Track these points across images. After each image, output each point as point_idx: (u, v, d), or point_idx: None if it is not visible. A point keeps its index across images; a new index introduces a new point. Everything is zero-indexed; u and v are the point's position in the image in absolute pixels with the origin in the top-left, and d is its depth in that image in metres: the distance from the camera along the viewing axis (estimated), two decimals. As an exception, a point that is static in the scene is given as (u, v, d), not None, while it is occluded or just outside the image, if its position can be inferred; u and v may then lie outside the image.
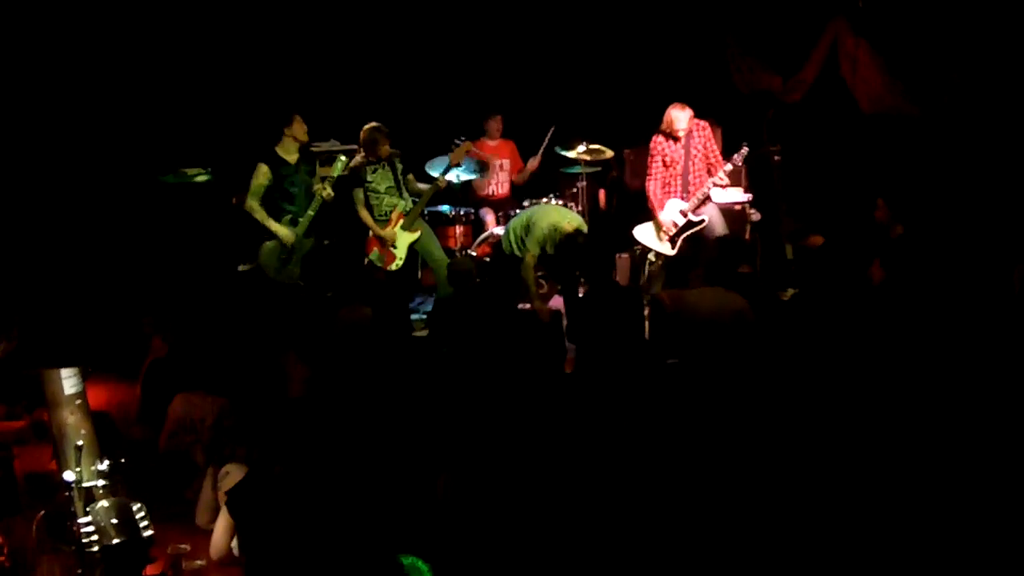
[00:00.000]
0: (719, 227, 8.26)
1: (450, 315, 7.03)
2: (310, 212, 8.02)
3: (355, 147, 9.23)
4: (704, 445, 5.41)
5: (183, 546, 5.31)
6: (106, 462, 4.70)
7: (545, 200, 9.62)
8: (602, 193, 10.71)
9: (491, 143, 10.00)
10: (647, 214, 8.52)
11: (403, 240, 8.42)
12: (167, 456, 6.18)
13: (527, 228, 8.24)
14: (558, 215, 8.21)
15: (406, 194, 8.49)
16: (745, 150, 8.05)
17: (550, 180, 10.20)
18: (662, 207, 8.29)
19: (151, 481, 5.60)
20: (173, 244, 9.07)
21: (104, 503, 4.59)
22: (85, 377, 5.01)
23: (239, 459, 5.68)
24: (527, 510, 4.85)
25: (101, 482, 4.66)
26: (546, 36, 11.12)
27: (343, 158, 8.19)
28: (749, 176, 9.57)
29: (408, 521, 4.73)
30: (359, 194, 8.36)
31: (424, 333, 8.12)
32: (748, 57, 10.70)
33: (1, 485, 5.53)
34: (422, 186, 8.68)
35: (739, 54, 10.78)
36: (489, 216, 9.65)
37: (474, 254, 9.24)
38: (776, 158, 9.92)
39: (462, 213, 9.64)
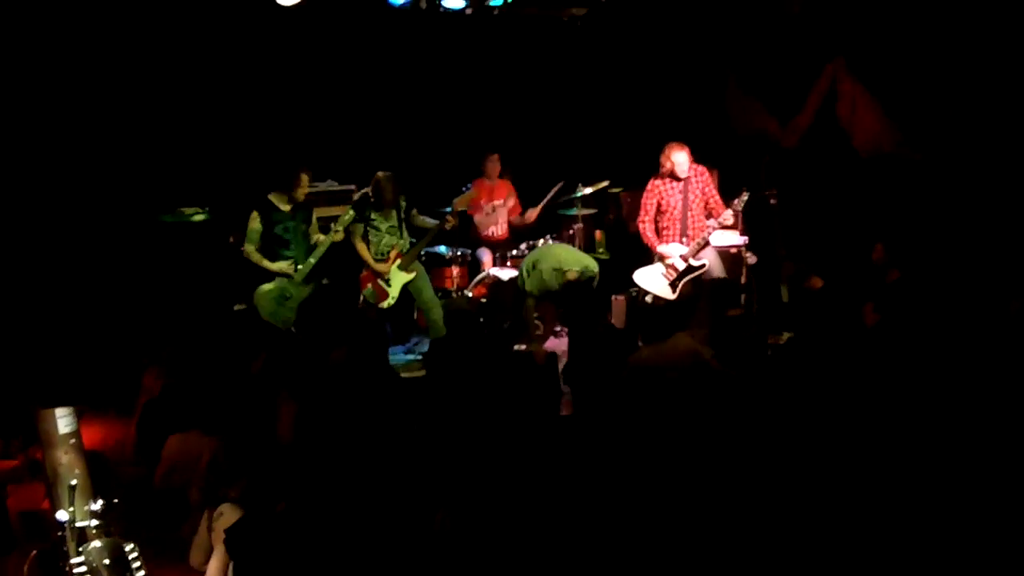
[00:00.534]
0: (718, 271, 8.27)
1: (447, 356, 7.02)
2: (311, 260, 8.06)
3: (352, 187, 9.28)
4: (694, 489, 5.40)
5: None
6: (100, 502, 4.67)
7: (543, 241, 9.66)
8: (599, 234, 10.74)
9: (489, 183, 10.03)
10: (645, 257, 8.52)
11: (398, 279, 8.43)
12: (161, 496, 6.14)
13: (531, 268, 8.27)
14: (562, 256, 8.23)
15: (406, 235, 8.52)
16: (745, 196, 8.09)
17: (548, 222, 10.23)
18: (662, 251, 8.31)
19: (145, 521, 5.57)
20: (170, 283, 9.06)
21: (97, 543, 4.56)
22: (80, 416, 4.99)
23: (232, 499, 5.64)
24: (523, 547, 4.83)
25: (94, 522, 4.63)
26: (546, 80, 11.21)
27: (352, 212, 8.25)
28: (746, 220, 9.60)
29: (406, 558, 4.71)
30: (359, 228, 8.38)
31: (420, 373, 8.11)
32: (746, 100, 10.77)
33: (-6, 524, 5.50)
34: (427, 220, 8.69)
35: (737, 97, 10.86)
36: (486, 257, 9.67)
37: (471, 295, 9.25)
38: (773, 202, 9.95)
39: (459, 254, 9.66)
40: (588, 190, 9.65)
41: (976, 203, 8.65)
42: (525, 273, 8.40)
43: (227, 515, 5.33)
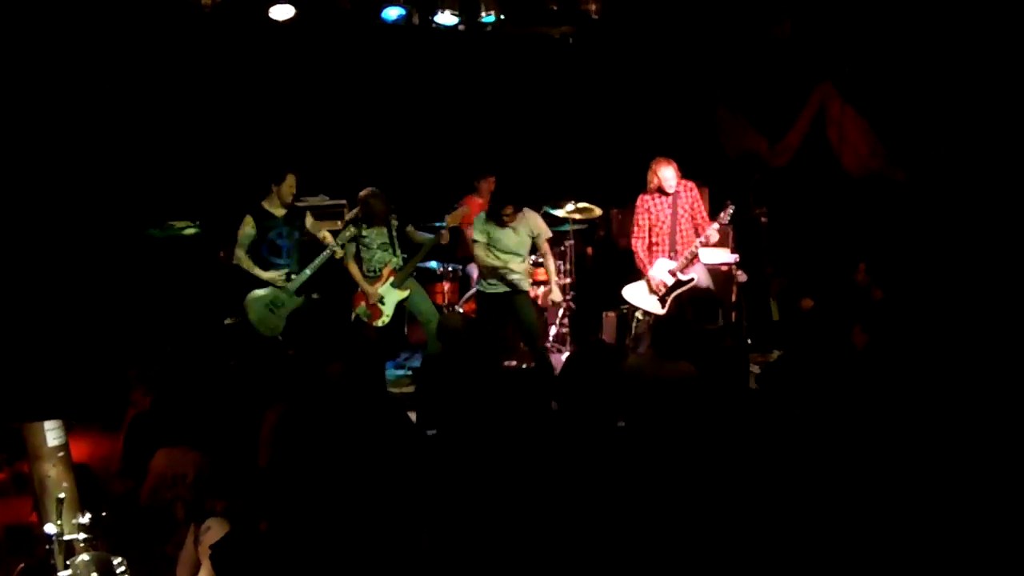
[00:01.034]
0: (706, 286, 8.29)
1: (438, 372, 7.01)
2: (307, 271, 8.05)
3: (343, 202, 9.28)
4: (681, 509, 5.40)
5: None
6: (87, 515, 4.66)
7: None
8: (589, 251, 10.76)
9: (480, 200, 10.03)
10: (634, 273, 8.54)
11: (391, 297, 8.42)
12: (148, 510, 6.12)
13: None
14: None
15: (399, 251, 8.51)
16: (731, 209, 8.09)
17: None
18: (651, 266, 8.32)
19: (132, 535, 5.55)
20: (159, 297, 9.04)
21: (85, 557, 4.55)
22: (68, 430, 4.98)
23: (218, 514, 5.62)
24: (510, 565, 4.82)
25: (82, 536, 4.62)
26: (537, 97, 11.25)
27: (352, 228, 8.25)
28: (736, 238, 9.63)
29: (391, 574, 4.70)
30: (350, 248, 8.37)
31: (410, 389, 8.11)
32: (736, 120, 10.83)
33: (-19, 538, 5.48)
34: (422, 235, 8.71)
35: (727, 117, 10.91)
36: (475, 273, 9.67)
37: (462, 310, 9.25)
38: (763, 220, 9.98)
39: (450, 269, 9.67)
40: (576, 216, 9.66)
41: (964, 222, 8.70)
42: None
43: (214, 530, 5.31)
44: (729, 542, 5.09)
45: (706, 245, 8.25)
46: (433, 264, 9.64)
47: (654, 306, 8.32)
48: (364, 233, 8.35)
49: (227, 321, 8.65)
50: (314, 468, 5.54)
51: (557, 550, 4.95)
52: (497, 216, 8.09)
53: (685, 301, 8.16)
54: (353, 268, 8.39)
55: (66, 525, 4.58)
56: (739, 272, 9.46)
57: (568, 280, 9.81)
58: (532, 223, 8.26)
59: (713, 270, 8.93)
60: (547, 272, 8.60)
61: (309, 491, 5.31)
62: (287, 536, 4.81)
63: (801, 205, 10.28)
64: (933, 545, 4.85)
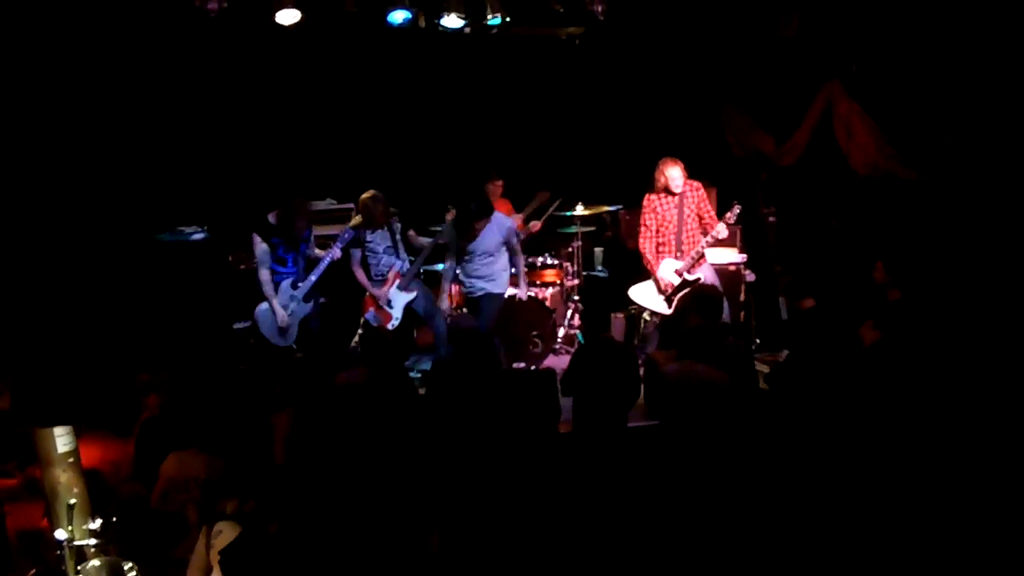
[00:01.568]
0: (712, 284, 8.28)
1: (449, 374, 7.01)
2: (313, 277, 8.06)
3: (350, 206, 9.28)
4: (694, 508, 5.41)
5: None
6: (98, 521, 4.68)
7: (541, 259, 9.70)
8: (597, 252, 10.77)
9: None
10: (642, 274, 8.54)
11: (399, 300, 8.43)
12: (159, 514, 6.14)
13: None
14: None
15: (403, 254, 8.53)
16: (737, 208, 8.08)
17: (546, 240, 10.26)
18: (657, 266, 8.31)
19: (143, 539, 5.57)
20: (169, 302, 9.07)
21: (96, 562, 4.58)
22: (78, 435, 5.01)
23: (229, 515, 5.64)
24: (519, 568, 4.83)
25: (93, 541, 4.64)
26: (545, 99, 11.27)
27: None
28: (744, 238, 9.62)
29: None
30: (356, 254, 8.38)
31: (421, 392, 8.11)
32: (743, 119, 10.81)
33: (-7, 543, 5.49)
34: (423, 240, 8.71)
35: (734, 116, 10.90)
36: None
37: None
38: (771, 220, 9.97)
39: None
40: (585, 212, 9.69)
41: (974, 222, 8.67)
42: None
43: (225, 533, 5.33)
44: (741, 541, 5.10)
45: (713, 244, 8.24)
46: (440, 267, 9.64)
47: (661, 306, 8.31)
48: (368, 239, 8.36)
49: (237, 326, 8.67)
50: (326, 471, 5.57)
51: (566, 551, 4.97)
52: (466, 233, 8.14)
53: (688, 298, 8.17)
54: (360, 273, 8.40)
55: (77, 530, 4.62)
56: (747, 272, 9.46)
57: (576, 281, 9.82)
58: (500, 222, 8.30)
59: (721, 270, 8.92)
60: (516, 271, 8.63)
61: (321, 494, 5.32)
62: (297, 539, 4.83)
63: (809, 204, 10.26)
64: (942, 543, 4.85)
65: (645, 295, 8.45)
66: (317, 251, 8.26)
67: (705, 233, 8.21)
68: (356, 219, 8.32)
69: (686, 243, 8.26)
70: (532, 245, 10.12)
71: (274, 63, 10.02)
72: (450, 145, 10.95)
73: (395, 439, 6.02)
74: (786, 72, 10.29)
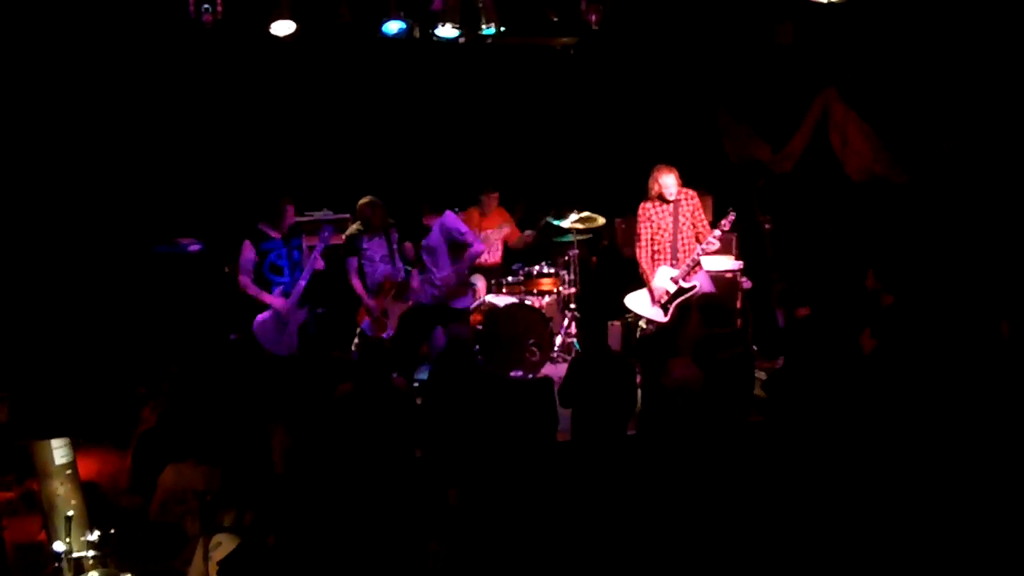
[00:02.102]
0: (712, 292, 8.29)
1: (446, 383, 7.01)
2: (301, 282, 8.05)
3: (346, 216, 9.29)
4: (691, 517, 5.41)
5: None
6: (96, 533, 4.68)
7: (537, 268, 9.70)
8: (594, 261, 10.77)
9: (484, 215, 10.03)
10: (638, 282, 8.54)
11: (395, 310, 8.44)
12: (157, 526, 6.13)
13: None
14: None
15: (400, 263, 8.53)
16: (732, 216, 8.09)
17: (543, 248, 10.27)
18: (653, 274, 8.32)
19: (141, 552, 5.56)
20: (166, 314, 9.07)
21: (94, 574, 4.57)
22: (76, 448, 5.00)
23: (228, 527, 5.64)
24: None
25: (91, 553, 4.64)
26: (540, 108, 11.28)
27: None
28: (740, 245, 9.63)
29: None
30: (352, 263, 8.39)
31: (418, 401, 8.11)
32: (739, 127, 10.83)
33: (-9, 556, 5.48)
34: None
35: (730, 124, 10.92)
36: (480, 283, 9.67)
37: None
38: (767, 227, 9.98)
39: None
40: (580, 225, 9.69)
41: (968, 225, 8.69)
42: None
43: (224, 545, 5.33)
44: (739, 548, 5.10)
45: (707, 252, 8.25)
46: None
47: (656, 314, 8.32)
48: (366, 245, 8.37)
49: (233, 337, 8.66)
50: (324, 482, 5.56)
51: (564, 559, 4.97)
52: None
53: (694, 306, 8.17)
54: (356, 282, 8.40)
55: (75, 543, 4.61)
56: (743, 279, 9.46)
57: (573, 290, 9.82)
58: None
59: (717, 277, 8.92)
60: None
61: (319, 504, 5.32)
62: (295, 550, 4.82)
63: (805, 211, 10.27)
64: (939, 548, 4.85)
65: (641, 303, 8.45)
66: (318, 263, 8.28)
67: (699, 242, 8.22)
68: (354, 226, 8.34)
69: (681, 251, 8.26)
70: (528, 254, 10.14)
71: (269, 74, 10.03)
72: (446, 155, 10.96)
73: (391, 449, 6.02)
74: (782, 79, 10.31)
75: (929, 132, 9.11)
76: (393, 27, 8.76)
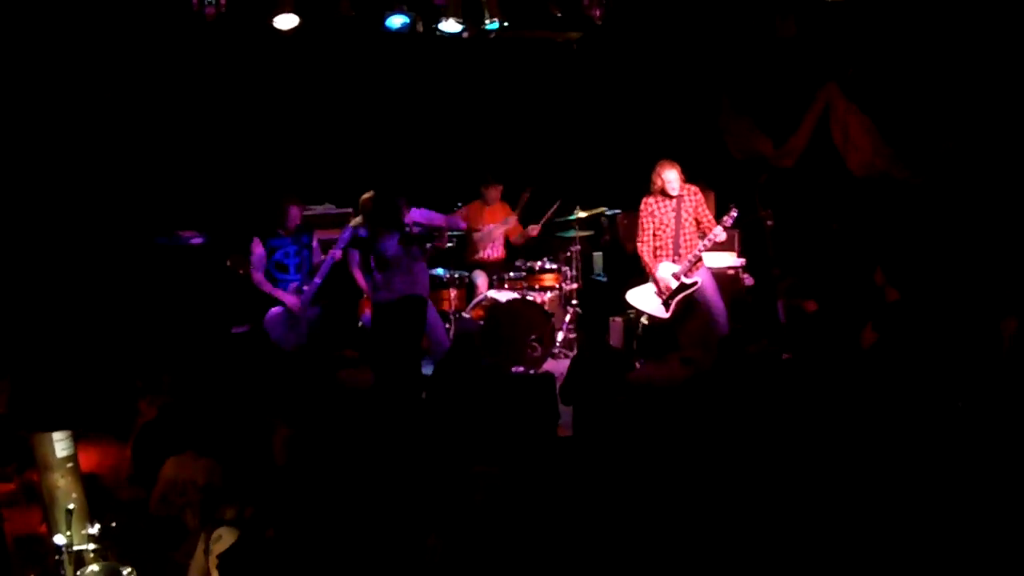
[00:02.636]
0: (711, 289, 8.28)
1: (451, 378, 7.02)
2: (317, 280, 8.06)
3: (349, 210, 9.28)
4: (697, 507, 5.40)
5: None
6: (97, 525, 4.68)
7: (540, 263, 9.70)
8: (596, 256, 10.77)
9: (486, 208, 10.04)
10: (641, 278, 8.53)
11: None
12: (158, 519, 6.13)
13: None
14: None
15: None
16: (735, 212, 8.08)
17: (545, 244, 10.27)
18: (655, 270, 8.31)
19: (142, 544, 5.55)
20: (167, 306, 9.07)
21: (94, 567, 4.57)
22: (76, 440, 5.00)
23: (228, 520, 5.63)
24: (517, 571, 4.83)
25: (91, 545, 4.64)
26: (543, 102, 11.27)
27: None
28: (742, 241, 9.62)
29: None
30: (355, 255, 8.39)
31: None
32: (741, 122, 10.82)
33: (-9, 549, 5.48)
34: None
35: (733, 119, 10.91)
36: (482, 279, 9.68)
37: (468, 316, 9.26)
38: (769, 223, 9.98)
39: (456, 276, 9.67)
40: (583, 214, 9.70)
41: (971, 221, 8.69)
42: None
43: (225, 538, 5.32)
44: (740, 543, 5.10)
45: (711, 248, 8.25)
46: (439, 271, 9.65)
47: (658, 310, 8.31)
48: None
49: (235, 330, 8.67)
50: (325, 474, 5.56)
51: (564, 554, 4.96)
52: None
53: (698, 305, 8.18)
54: (358, 274, 8.40)
55: (75, 535, 4.61)
56: (745, 275, 9.46)
57: (575, 285, 9.82)
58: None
59: (719, 273, 8.92)
60: None
61: (319, 497, 5.32)
62: (295, 543, 4.82)
63: (807, 206, 10.27)
64: (938, 545, 4.85)
65: (643, 299, 8.45)
66: (321, 257, 8.28)
67: (703, 236, 8.21)
68: (357, 220, 8.32)
69: (683, 246, 8.25)
70: (531, 249, 10.14)
71: (272, 68, 10.02)
72: (448, 149, 10.96)
73: (394, 442, 6.02)
74: (784, 74, 10.30)
75: (931, 127, 9.10)
76: (396, 21, 8.76)
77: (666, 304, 8.26)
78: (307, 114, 10.48)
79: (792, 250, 10.09)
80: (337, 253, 8.04)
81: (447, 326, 9.08)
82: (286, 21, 8.39)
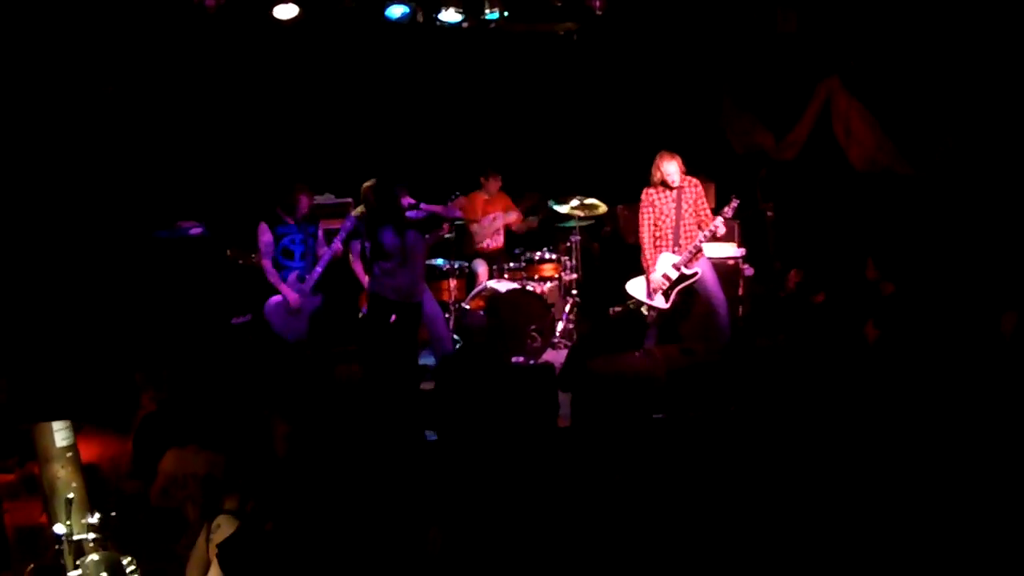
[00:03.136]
0: (711, 280, 8.27)
1: (457, 368, 7.02)
2: (318, 269, 8.07)
3: (349, 200, 9.28)
4: (694, 500, 5.41)
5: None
6: (97, 516, 4.68)
7: (539, 253, 9.70)
8: (596, 247, 10.76)
9: (485, 197, 10.03)
10: (641, 268, 8.53)
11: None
12: (158, 510, 6.14)
13: None
14: None
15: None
16: (735, 203, 8.07)
17: (545, 234, 10.27)
18: (654, 261, 8.30)
19: (142, 535, 5.57)
20: (167, 298, 9.07)
21: (94, 557, 4.57)
22: (76, 431, 5.00)
23: (229, 511, 5.64)
24: (517, 563, 4.83)
25: (91, 536, 4.64)
26: (543, 93, 11.26)
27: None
28: (742, 232, 9.62)
29: (399, 574, 4.71)
30: (355, 247, 8.38)
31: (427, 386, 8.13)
32: (743, 115, 10.81)
33: (-8, 539, 5.50)
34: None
35: (734, 112, 10.90)
36: (482, 269, 9.67)
37: (468, 307, 9.26)
38: (769, 215, 9.97)
39: (456, 267, 9.66)
40: (581, 212, 9.68)
41: (972, 215, 8.68)
42: None
43: (223, 528, 5.33)
44: (742, 536, 5.11)
45: (711, 239, 8.24)
46: (439, 261, 9.64)
47: (658, 300, 8.31)
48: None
49: (235, 321, 8.67)
50: (324, 466, 5.57)
51: (563, 546, 4.97)
52: None
53: (698, 296, 8.18)
54: (358, 266, 8.40)
55: (75, 525, 4.61)
56: (745, 266, 9.46)
57: (575, 276, 9.82)
58: None
59: (719, 264, 8.92)
60: None
61: (319, 488, 5.33)
62: (294, 535, 4.83)
63: (808, 199, 10.27)
64: (938, 540, 4.85)
65: (643, 290, 8.43)
66: (324, 250, 8.28)
67: (702, 228, 8.20)
68: (359, 209, 8.32)
69: (684, 237, 8.24)
70: (531, 240, 10.14)
71: (272, 58, 10.01)
72: (448, 140, 10.95)
73: (392, 433, 6.03)
74: (785, 68, 10.30)
75: (933, 122, 9.10)
76: (396, 11, 8.76)
77: (666, 295, 8.25)
78: (307, 104, 10.47)
79: (793, 244, 10.09)
80: (338, 245, 8.04)
81: (447, 316, 9.07)
82: (286, 11, 8.39)
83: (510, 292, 9.01)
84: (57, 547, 4.57)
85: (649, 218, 8.33)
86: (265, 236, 8.09)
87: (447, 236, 9.10)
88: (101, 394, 7.29)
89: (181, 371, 7.65)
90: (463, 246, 10.01)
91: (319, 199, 9.62)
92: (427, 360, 8.96)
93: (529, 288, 9.16)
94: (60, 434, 4.79)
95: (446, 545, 4.92)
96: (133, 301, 8.87)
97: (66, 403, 5.71)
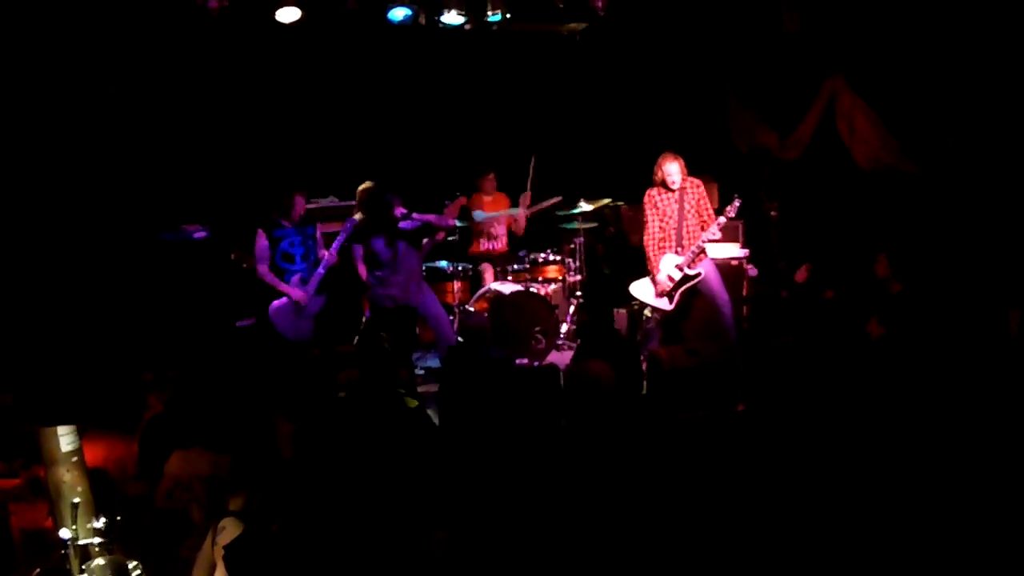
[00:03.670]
0: (715, 281, 8.27)
1: (461, 370, 7.02)
2: (320, 270, 8.07)
3: (352, 203, 9.28)
4: (697, 501, 5.42)
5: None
6: (102, 519, 4.68)
7: (543, 255, 9.70)
8: (600, 249, 10.76)
9: (487, 198, 10.03)
10: (645, 269, 8.52)
11: None
12: (164, 513, 6.14)
13: None
14: None
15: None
16: (738, 203, 8.06)
17: (549, 235, 10.26)
18: (658, 262, 8.29)
19: (148, 538, 5.57)
20: (172, 300, 9.08)
21: (100, 561, 4.58)
22: (82, 434, 5.00)
23: (234, 513, 5.64)
24: (522, 565, 4.84)
25: (97, 540, 4.64)
26: (546, 94, 11.26)
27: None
28: (746, 232, 9.61)
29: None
30: (358, 249, 8.39)
31: (424, 388, 8.12)
32: (747, 114, 10.81)
33: (-3, 543, 5.50)
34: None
35: (738, 111, 10.90)
36: (489, 272, 9.68)
37: (472, 309, 9.26)
38: (773, 215, 9.96)
39: (460, 269, 9.66)
40: (589, 207, 9.68)
41: (976, 214, 8.67)
42: None
43: (229, 530, 5.33)
44: (744, 533, 5.11)
45: (711, 240, 8.23)
46: (443, 263, 9.65)
47: (662, 302, 8.30)
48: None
49: (240, 323, 8.67)
50: (329, 468, 5.57)
51: (568, 548, 4.97)
52: None
53: (702, 296, 8.17)
54: (362, 268, 8.40)
55: (81, 529, 4.62)
56: (749, 266, 9.45)
57: (579, 277, 9.82)
58: None
59: (723, 264, 8.91)
60: None
61: (324, 491, 5.32)
62: (299, 537, 4.83)
63: (812, 199, 10.25)
64: (945, 537, 4.85)
65: (647, 291, 8.43)
66: (325, 253, 8.28)
67: (704, 230, 8.20)
68: (359, 214, 8.33)
69: (687, 238, 8.24)
70: (535, 241, 10.13)
71: (275, 61, 10.02)
72: (451, 142, 10.95)
73: (394, 439, 6.02)
74: (789, 67, 10.29)
75: (937, 120, 9.09)
76: (399, 13, 8.76)
77: (670, 296, 8.24)
78: (310, 107, 10.47)
79: (797, 242, 10.08)
80: (334, 254, 8.02)
81: (451, 318, 9.07)
82: (289, 14, 8.40)
83: (514, 294, 9.01)
84: (63, 551, 4.57)
85: (652, 219, 8.33)
86: (261, 241, 8.07)
87: (451, 239, 9.10)
88: (106, 398, 7.30)
89: (186, 373, 7.66)
90: (467, 248, 10.02)
91: (323, 202, 9.64)
92: (432, 362, 8.97)
93: (533, 290, 9.17)
94: (65, 439, 4.80)
95: (451, 547, 4.93)
96: (138, 304, 8.87)
97: (71, 407, 5.71)
